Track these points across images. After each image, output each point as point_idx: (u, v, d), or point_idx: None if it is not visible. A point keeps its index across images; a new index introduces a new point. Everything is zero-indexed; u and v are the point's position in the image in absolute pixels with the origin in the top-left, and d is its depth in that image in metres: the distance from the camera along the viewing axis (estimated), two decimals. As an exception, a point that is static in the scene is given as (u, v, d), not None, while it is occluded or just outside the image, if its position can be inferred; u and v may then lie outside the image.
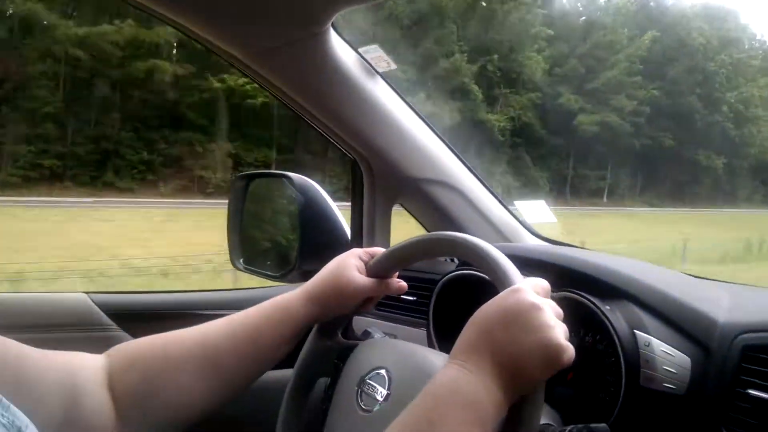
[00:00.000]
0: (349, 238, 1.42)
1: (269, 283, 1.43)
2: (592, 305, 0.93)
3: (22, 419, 0.64)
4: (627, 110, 27.44)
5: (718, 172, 28.76)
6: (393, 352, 0.89)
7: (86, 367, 0.82)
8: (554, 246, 1.43)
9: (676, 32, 30.11)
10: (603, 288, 0.97)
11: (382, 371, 0.86)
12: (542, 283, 0.73)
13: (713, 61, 29.75)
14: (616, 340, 0.88)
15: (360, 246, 1.37)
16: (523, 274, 0.72)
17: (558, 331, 0.65)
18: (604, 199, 27.12)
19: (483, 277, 1.09)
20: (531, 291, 0.68)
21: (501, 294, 0.69)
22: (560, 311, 0.69)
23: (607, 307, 0.92)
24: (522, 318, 0.65)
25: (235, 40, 1.09)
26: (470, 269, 1.13)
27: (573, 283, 0.98)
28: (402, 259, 0.95)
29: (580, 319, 0.94)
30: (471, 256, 0.82)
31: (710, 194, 28.67)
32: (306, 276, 1.44)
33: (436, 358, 0.87)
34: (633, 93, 27.97)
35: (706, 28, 30.84)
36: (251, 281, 1.48)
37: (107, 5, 18.95)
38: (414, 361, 0.86)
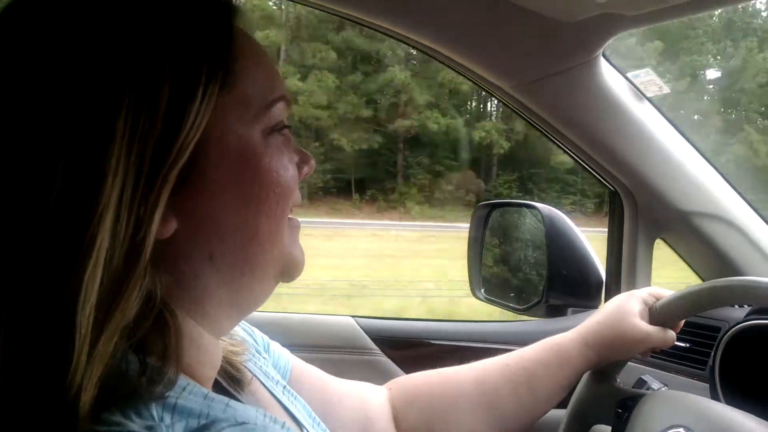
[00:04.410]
0: (603, 273, 1.34)
1: (519, 316, 1.41)
2: None
3: None
4: None
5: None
6: (690, 408, 0.80)
7: (374, 400, 0.87)
8: None
9: None
10: None
11: (681, 430, 0.77)
12: None
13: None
14: None
15: (618, 284, 1.28)
16: None
17: None
18: None
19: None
20: None
21: None
22: None
23: None
24: None
25: (501, 72, 1.10)
26: (772, 319, 0.97)
27: None
28: (694, 306, 0.86)
29: None
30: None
31: None
32: (552, 311, 1.40)
33: (742, 418, 0.76)
34: None
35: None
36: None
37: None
38: (718, 421, 0.76)
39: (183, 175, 0.47)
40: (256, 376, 0.68)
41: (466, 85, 20.05)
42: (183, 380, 0.48)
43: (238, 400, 0.59)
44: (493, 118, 23.02)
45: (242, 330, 0.77)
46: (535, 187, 20.92)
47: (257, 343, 0.78)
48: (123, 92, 0.44)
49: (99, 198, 0.42)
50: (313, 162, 0.61)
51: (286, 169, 0.55)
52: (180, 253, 0.50)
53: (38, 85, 0.44)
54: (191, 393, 0.48)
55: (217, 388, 0.58)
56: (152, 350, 0.47)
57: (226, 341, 0.66)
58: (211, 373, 0.57)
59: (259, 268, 0.55)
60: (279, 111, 0.55)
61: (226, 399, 0.51)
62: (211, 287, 0.53)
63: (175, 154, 0.46)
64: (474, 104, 23.95)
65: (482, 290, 1.49)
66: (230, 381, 0.63)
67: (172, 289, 0.50)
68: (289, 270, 0.58)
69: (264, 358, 0.77)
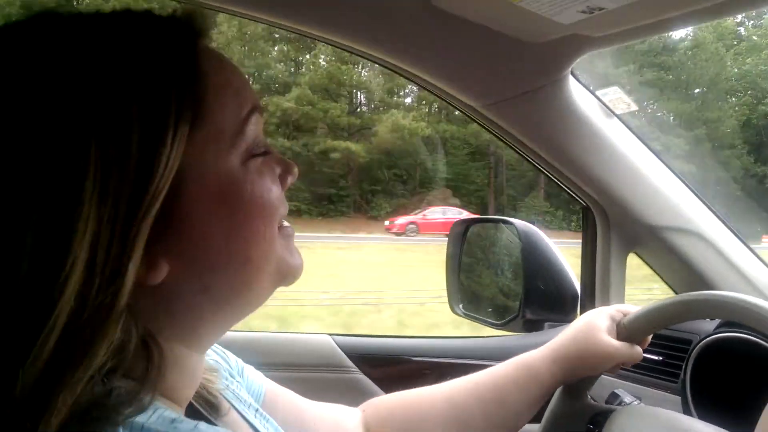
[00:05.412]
0: (578, 288, 1.35)
1: (497, 332, 1.41)
2: None
3: None
4: None
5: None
6: (659, 423, 0.81)
7: (348, 422, 0.87)
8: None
9: None
10: None
11: None
12: None
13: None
14: None
15: (592, 298, 1.30)
16: None
17: None
18: None
19: (756, 341, 0.95)
20: None
21: None
22: None
23: None
24: None
25: (471, 92, 1.12)
26: (739, 332, 0.99)
27: None
28: (661, 321, 0.87)
29: None
30: (754, 321, 0.73)
31: None
32: (529, 325, 1.41)
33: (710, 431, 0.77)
34: None
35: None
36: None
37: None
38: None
39: (163, 219, 0.47)
40: (228, 399, 0.68)
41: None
42: (154, 404, 0.48)
43: (213, 423, 0.59)
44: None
45: (215, 353, 0.76)
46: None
47: (231, 367, 0.78)
48: (89, 149, 0.43)
49: (67, 258, 0.42)
50: (296, 170, 0.61)
51: (269, 190, 0.55)
52: (173, 291, 0.50)
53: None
54: (160, 417, 0.48)
55: (192, 411, 0.58)
56: (133, 373, 0.47)
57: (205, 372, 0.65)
58: (190, 392, 0.57)
59: (256, 287, 0.56)
60: (253, 125, 0.55)
61: (194, 422, 0.51)
62: (206, 315, 0.54)
63: (147, 204, 0.45)
64: None
65: (460, 305, 1.49)
66: (206, 406, 0.63)
67: (164, 323, 0.51)
68: (287, 276, 0.59)
69: (237, 381, 0.77)
